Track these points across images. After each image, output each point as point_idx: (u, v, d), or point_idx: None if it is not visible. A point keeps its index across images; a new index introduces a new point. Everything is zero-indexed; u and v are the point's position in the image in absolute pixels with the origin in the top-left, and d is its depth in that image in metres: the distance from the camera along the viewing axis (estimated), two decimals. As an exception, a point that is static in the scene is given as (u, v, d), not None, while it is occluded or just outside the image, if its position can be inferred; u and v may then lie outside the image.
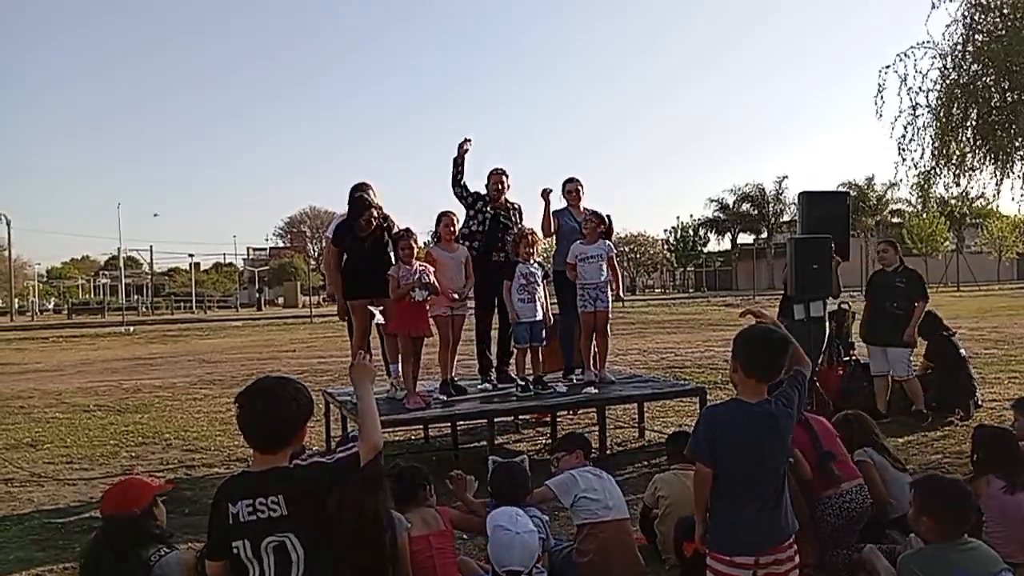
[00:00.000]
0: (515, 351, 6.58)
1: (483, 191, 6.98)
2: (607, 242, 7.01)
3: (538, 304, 6.36)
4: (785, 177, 60.45)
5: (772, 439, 2.85)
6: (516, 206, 7.09)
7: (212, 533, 2.38)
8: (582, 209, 7.17)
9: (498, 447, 6.37)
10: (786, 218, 58.70)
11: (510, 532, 3.41)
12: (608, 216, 7.01)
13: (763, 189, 60.69)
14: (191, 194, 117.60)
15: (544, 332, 6.45)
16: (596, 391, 6.49)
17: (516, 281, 6.32)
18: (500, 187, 6.95)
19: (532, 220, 7.36)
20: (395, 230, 6.30)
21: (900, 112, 9.56)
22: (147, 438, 7.88)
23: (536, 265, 6.42)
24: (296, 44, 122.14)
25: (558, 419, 7.37)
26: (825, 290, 7.01)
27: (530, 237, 6.41)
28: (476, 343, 7.15)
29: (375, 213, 6.21)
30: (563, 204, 7.31)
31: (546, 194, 6.99)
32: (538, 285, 6.38)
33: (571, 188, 7.30)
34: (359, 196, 6.20)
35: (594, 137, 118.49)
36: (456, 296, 6.28)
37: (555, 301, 7.40)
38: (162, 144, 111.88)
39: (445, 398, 6.24)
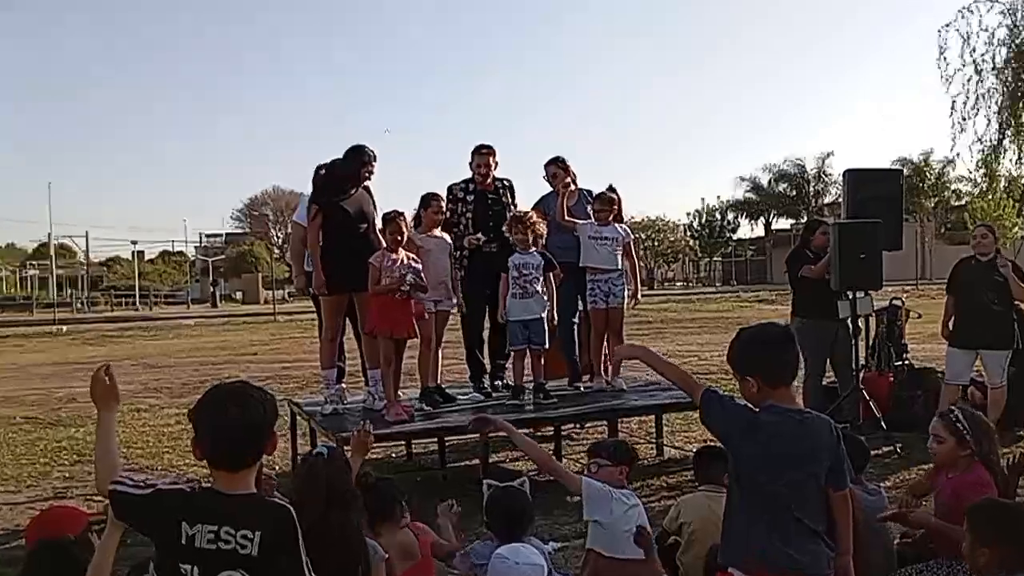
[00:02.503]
0: (512, 354, 6.58)
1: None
2: (623, 226, 7.02)
3: (535, 300, 6.30)
4: (830, 153, 60.31)
5: (816, 454, 2.86)
6: (506, 183, 7.06)
7: (160, 549, 2.39)
8: (573, 191, 7.16)
9: (493, 466, 6.37)
10: (829, 199, 58.76)
11: (508, 562, 3.42)
12: (612, 188, 7.03)
13: (803, 166, 60.70)
14: (134, 171, 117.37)
15: (546, 333, 6.42)
16: (607, 401, 6.49)
17: (509, 274, 6.32)
18: (486, 169, 6.92)
19: (528, 200, 7.37)
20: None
21: (959, 76, 9.59)
22: (82, 456, 7.87)
23: (535, 253, 6.36)
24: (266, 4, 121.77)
25: (563, 433, 7.39)
26: (874, 283, 7.03)
27: (525, 220, 6.34)
28: (465, 345, 7.15)
29: (374, 168, 6.24)
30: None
31: (564, 187, 6.90)
32: (536, 277, 6.31)
33: (554, 171, 7.18)
34: (361, 147, 6.22)
35: (604, 107, 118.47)
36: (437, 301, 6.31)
37: None
38: (100, 115, 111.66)
39: (430, 409, 6.24)
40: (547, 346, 6.51)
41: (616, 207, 6.88)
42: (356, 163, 6.22)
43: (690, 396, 3.07)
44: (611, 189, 7.04)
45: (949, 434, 3.82)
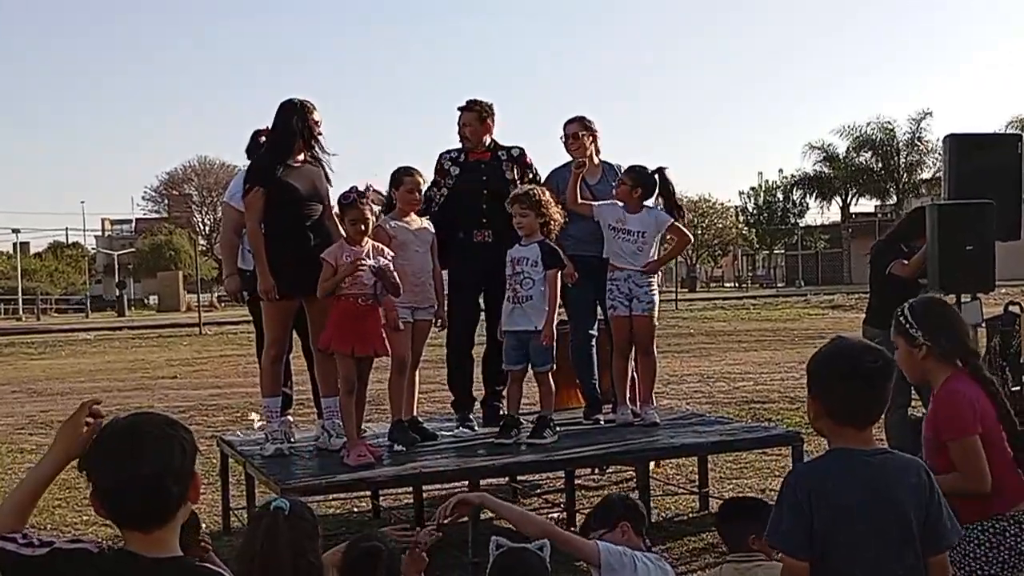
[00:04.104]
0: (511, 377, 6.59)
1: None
2: (662, 213, 6.99)
3: (531, 306, 6.23)
4: (927, 114, 60.31)
5: (905, 507, 2.86)
6: (513, 153, 7.00)
7: None
8: (597, 164, 7.16)
9: (487, 523, 6.38)
10: (926, 174, 58.82)
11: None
12: (662, 171, 6.99)
13: (892, 130, 60.53)
14: (18, 142, 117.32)
15: (551, 349, 6.39)
16: (635, 439, 6.51)
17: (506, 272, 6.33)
18: (471, 131, 6.84)
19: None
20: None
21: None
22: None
23: (533, 245, 6.26)
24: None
25: (576, 480, 7.40)
26: (984, 283, 7.04)
27: (520, 200, 6.25)
28: (449, 366, 7.16)
29: (319, 128, 6.27)
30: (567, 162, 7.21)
31: (579, 167, 6.88)
32: (529, 277, 6.25)
33: (570, 132, 7.13)
34: (291, 100, 6.26)
35: (640, 62, 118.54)
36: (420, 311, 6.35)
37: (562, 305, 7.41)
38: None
39: (403, 448, 6.25)
40: (552, 366, 6.48)
41: (640, 190, 6.84)
42: (289, 116, 6.20)
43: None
44: (660, 171, 6.99)
45: (897, 334, 3.85)
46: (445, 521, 4.03)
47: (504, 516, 4.19)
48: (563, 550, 4.02)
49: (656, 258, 7.01)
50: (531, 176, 6.98)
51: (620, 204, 6.83)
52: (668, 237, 7.27)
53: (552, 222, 6.31)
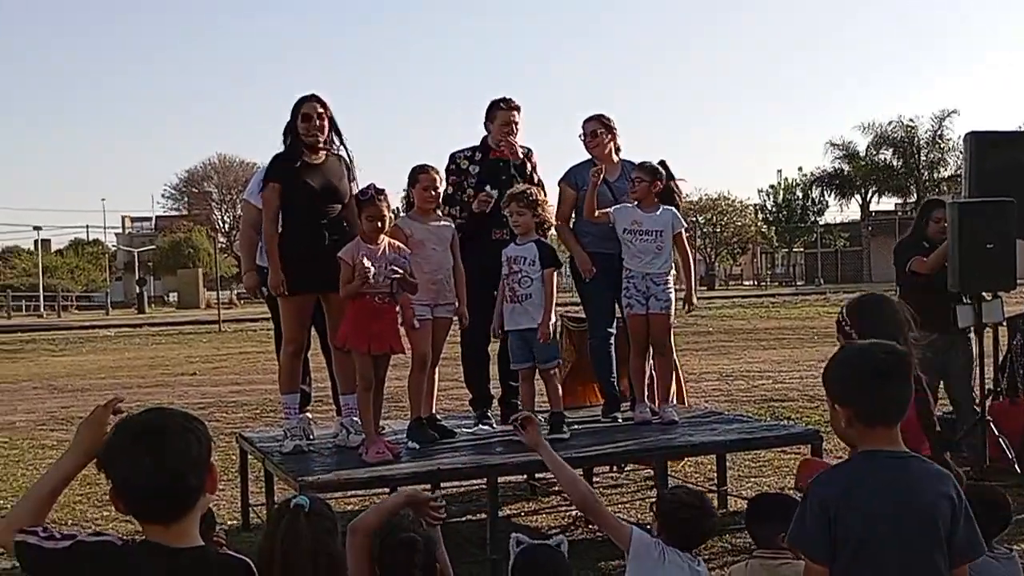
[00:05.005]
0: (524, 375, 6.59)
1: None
2: (672, 210, 6.99)
3: (529, 303, 6.25)
4: (951, 112, 59.91)
5: (935, 516, 2.84)
6: (526, 152, 7.06)
7: None
8: (615, 162, 7.16)
9: (505, 520, 6.39)
10: (948, 172, 58.50)
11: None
12: (663, 164, 6.99)
13: (914, 128, 60.26)
14: (40, 140, 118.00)
15: (554, 345, 6.41)
16: (653, 437, 6.51)
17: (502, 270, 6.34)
18: (509, 129, 6.91)
19: (551, 173, 7.38)
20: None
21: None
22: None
23: (530, 244, 6.29)
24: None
25: (595, 478, 7.39)
26: (1005, 281, 7.01)
27: (524, 196, 6.27)
28: (465, 363, 7.19)
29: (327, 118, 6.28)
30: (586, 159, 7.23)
31: (596, 175, 6.84)
32: (527, 276, 6.25)
33: (589, 130, 7.15)
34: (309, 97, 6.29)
35: (658, 57, 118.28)
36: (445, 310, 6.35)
37: (579, 303, 7.41)
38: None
39: (420, 446, 6.27)
40: (558, 361, 6.53)
41: (659, 184, 6.84)
42: (295, 111, 6.23)
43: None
44: (662, 164, 7.00)
45: (837, 333, 4.06)
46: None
47: (554, 471, 4.26)
48: (596, 523, 4.05)
49: (683, 270, 7.15)
50: (535, 179, 7.01)
51: (631, 205, 6.83)
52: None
53: (546, 222, 6.42)
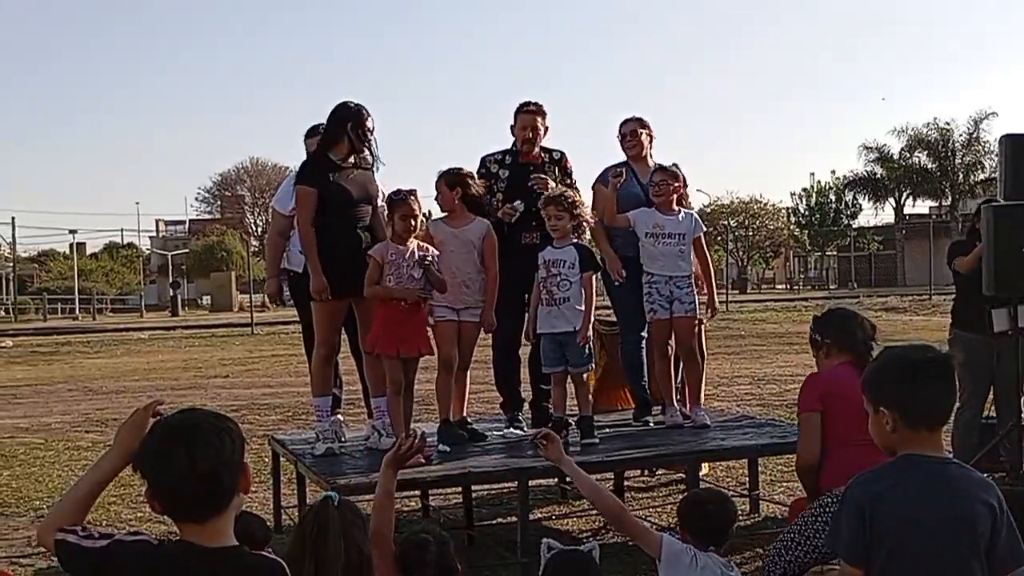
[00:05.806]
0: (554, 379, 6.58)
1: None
2: (693, 213, 6.98)
3: (566, 307, 6.24)
4: (990, 114, 59.21)
5: (976, 524, 2.82)
6: (555, 156, 7.07)
7: None
8: (650, 165, 7.15)
9: (536, 524, 6.38)
10: (984, 175, 57.86)
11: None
12: (676, 167, 6.99)
13: (949, 131, 59.67)
14: (74, 144, 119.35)
15: (588, 348, 6.40)
16: (684, 441, 6.49)
17: (538, 274, 6.34)
18: (532, 133, 6.93)
19: (586, 177, 7.37)
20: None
21: None
22: (7, 505, 8.03)
23: (569, 247, 6.29)
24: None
25: (625, 482, 7.38)
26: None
27: (557, 202, 6.25)
28: (496, 367, 7.19)
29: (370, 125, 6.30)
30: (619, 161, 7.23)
31: (615, 179, 6.86)
32: (566, 279, 6.25)
33: (628, 130, 7.18)
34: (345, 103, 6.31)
35: (692, 59, 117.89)
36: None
37: (610, 308, 7.40)
38: (32, 71, 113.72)
39: (450, 449, 6.28)
40: (590, 366, 6.52)
41: (681, 187, 6.84)
42: (343, 119, 6.24)
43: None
44: (676, 167, 7.00)
45: (810, 345, 4.54)
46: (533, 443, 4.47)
47: (577, 484, 4.23)
48: (625, 533, 4.14)
49: (703, 276, 7.14)
50: (569, 181, 7.01)
51: (650, 208, 6.81)
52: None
53: (583, 224, 6.41)
